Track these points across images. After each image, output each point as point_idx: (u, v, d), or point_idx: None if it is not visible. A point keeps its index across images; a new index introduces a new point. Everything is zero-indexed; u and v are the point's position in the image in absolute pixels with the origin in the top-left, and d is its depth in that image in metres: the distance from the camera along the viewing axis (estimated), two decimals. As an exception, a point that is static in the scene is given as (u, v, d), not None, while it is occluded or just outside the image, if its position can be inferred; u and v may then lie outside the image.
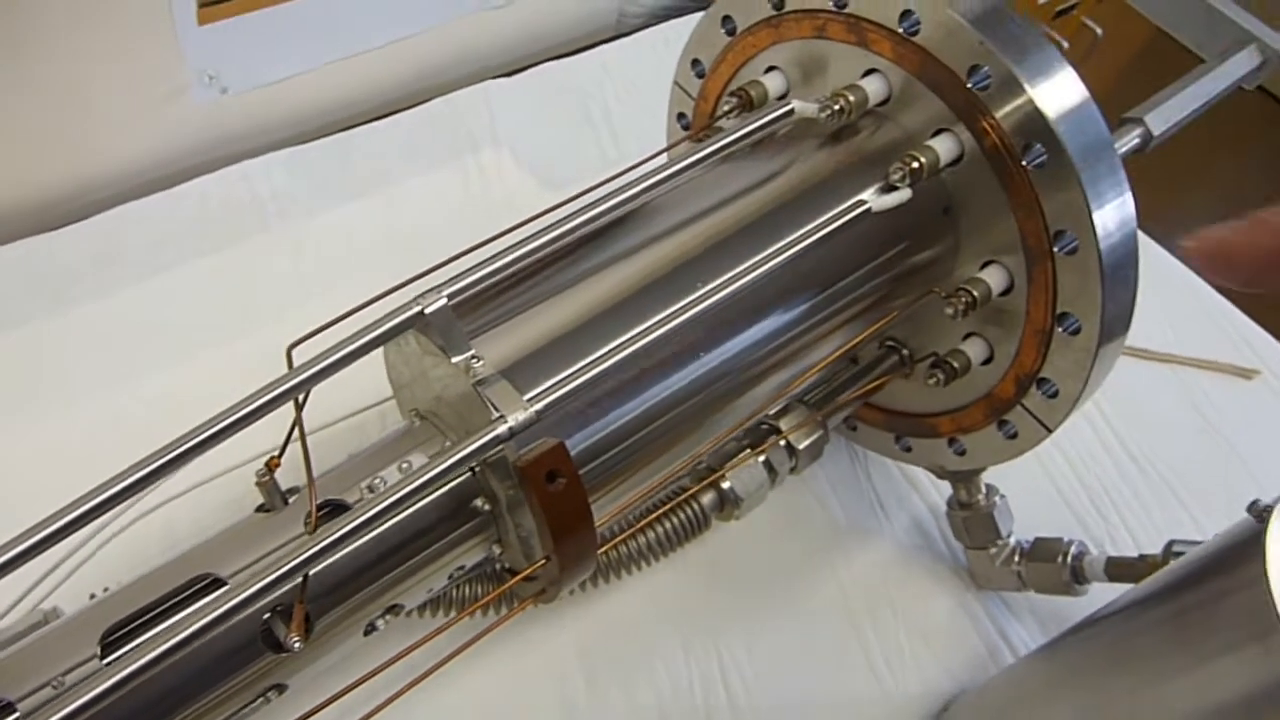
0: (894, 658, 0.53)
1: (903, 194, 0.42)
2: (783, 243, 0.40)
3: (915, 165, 0.42)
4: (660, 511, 0.45)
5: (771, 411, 0.46)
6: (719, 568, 0.54)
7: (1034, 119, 0.40)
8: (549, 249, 0.38)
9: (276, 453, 0.36)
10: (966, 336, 0.47)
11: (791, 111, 0.43)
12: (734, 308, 0.39)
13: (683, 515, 0.45)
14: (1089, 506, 0.62)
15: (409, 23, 0.64)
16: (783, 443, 0.47)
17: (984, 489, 0.54)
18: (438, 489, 0.36)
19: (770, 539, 0.55)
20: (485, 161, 0.67)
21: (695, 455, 0.42)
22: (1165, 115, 0.46)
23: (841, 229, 0.41)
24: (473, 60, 0.71)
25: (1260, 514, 0.33)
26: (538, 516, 0.34)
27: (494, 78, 0.72)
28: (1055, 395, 0.45)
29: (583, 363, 0.36)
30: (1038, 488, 0.62)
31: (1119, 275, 0.41)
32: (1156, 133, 0.46)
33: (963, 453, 0.52)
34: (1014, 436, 0.49)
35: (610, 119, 0.72)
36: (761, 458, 0.46)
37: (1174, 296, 0.75)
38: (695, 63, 0.53)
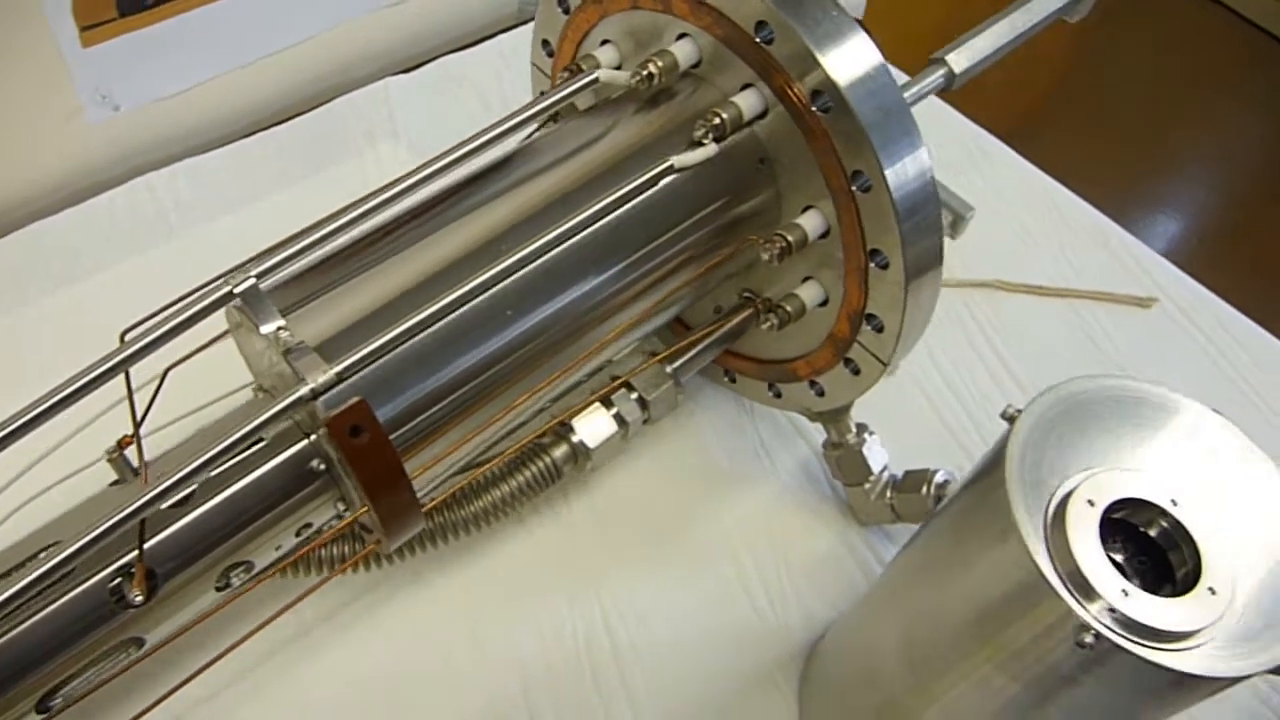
0: (776, 593, 0.55)
1: (708, 150, 0.45)
2: (591, 207, 0.42)
3: (718, 121, 0.45)
4: (500, 465, 0.47)
5: (619, 364, 0.49)
6: (604, 516, 0.56)
7: (811, 64, 0.42)
8: (362, 226, 0.41)
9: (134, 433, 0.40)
10: (805, 280, 0.50)
11: (596, 80, 0.46)
12: (547, 271, 0.42)
13: (535, 468, 0.48)
14: (979, 442, 0.64)
15: (300, 28, 0.67)
16: (634, 395, 0.50)
17: (853, 428, 0.56)
18: (277, 455, 0.40)
19: (655, 486, 0.58)
20: (383, 156, 0.70)
21: (526, 409, 0.44)
22: (970, 53, 0.48)
23: (653, 188, 0.44)
24: (373, 59, 0.74)
25: (1009, 417, 0.35)
26: (349, 470, 0.37)
27: (397, 73, 0.75)
28: (882, 330, 0.48)
29: (391, 331, 0.39)
30: (929, 427, 0.64)
31: (915, 208, 0.43)
32: (959, 71, 0.48)
33: (822, 393, 0.54)
34: (858, 373, 0.51)
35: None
36: (612, 410, 0.49)
37: (1075, 232, 0.76)
38: (545, 43, 0.55)
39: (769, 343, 0.55)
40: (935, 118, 0.81)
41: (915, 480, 0.55)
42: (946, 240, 0.68)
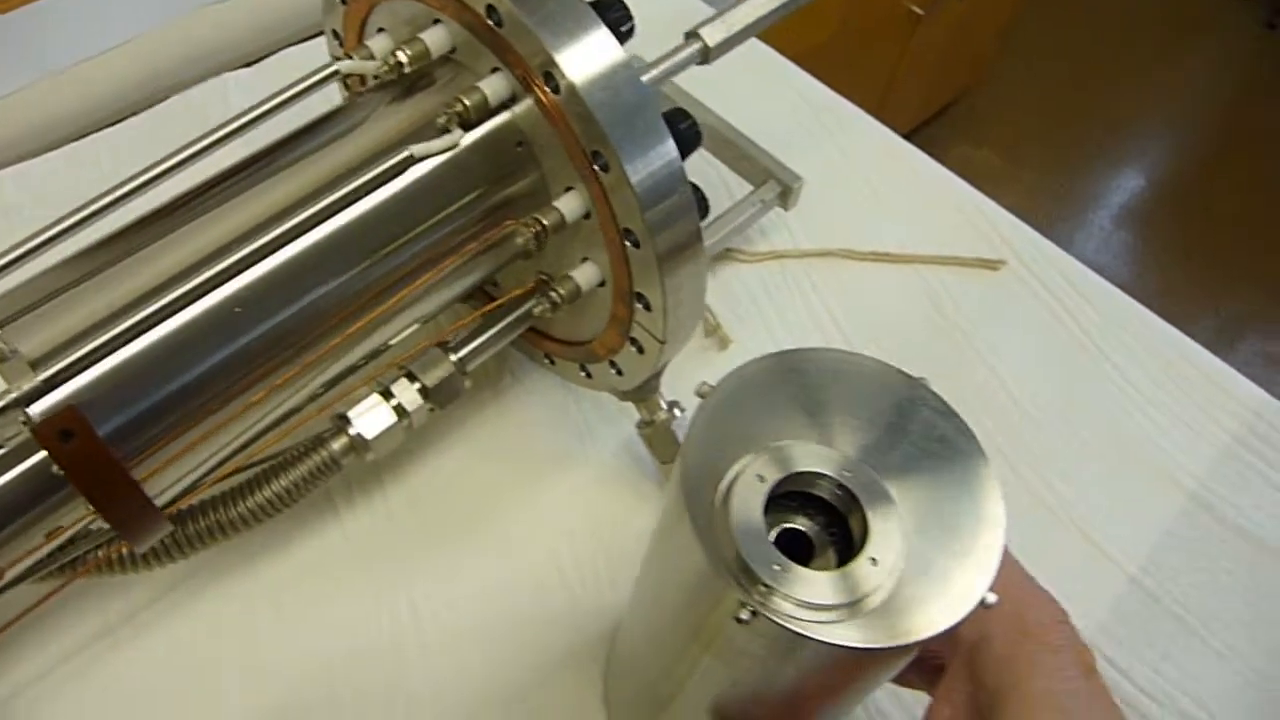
0: (590, 575, 0.55)
1: (453, 136, 0.45)
2: (318, 203, 0.42)
3: (460, 108, 0.44)
4: (279, 459, 0.47)
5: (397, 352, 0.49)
6: (420, 502, 0.56)
7: (536, 46, 0.42)
8: (96, 229, 0.41)
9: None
10: (582, 261, 0.50)
11: (337, 72, 0.46)
12: (282, 270, 0.42)
13: (313, 461, 0.48)
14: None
15: (121, 29, 0.67)
16: (417, 385, 0.50)
17: (664, 405, 0.56)
18: (18, 463, 0.40)
19: (474, 470, 0.58)
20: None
21: (275, 407, 0.45)
22: (726, 27, 0.47)
23: (396, 179, 0.44)
24: (212, 55, 0.73)
25: (702, 394, 0.35)
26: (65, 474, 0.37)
27: (237, 69, 0.75)
28: (650, 307, 0.47)
29: (104, 335, 0.39)
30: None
31: (658, 184, 0.43)
32: (713, 44, 0.47)
33: (621, 373, 0.54)
34: (642, 351, 0.51)
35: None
36: (392, 401, 0.49)
37: (928, 196, 0.76)
38: (335, 34, 0.55)
39: (570, 324, 0.55)
40: (790, 86, 0.81)
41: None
42: (783, 212, 0.68)
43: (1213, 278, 2.12)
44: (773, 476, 0.33)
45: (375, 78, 0.47)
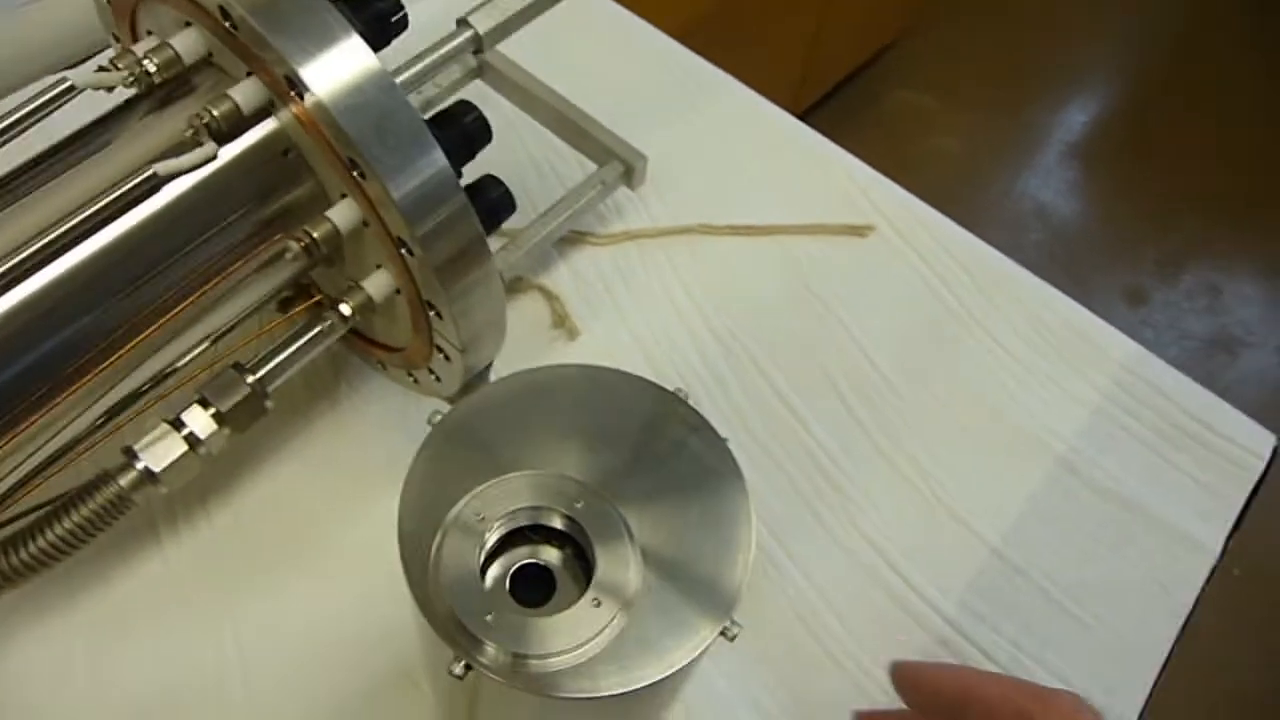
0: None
1: (204, 151, 0.42)
2: (60, 231, 0.40)
3: (208, 120, 0.42)
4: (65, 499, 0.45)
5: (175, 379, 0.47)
6: (245, 525, 0.54)
7: (271, 50, 0.39)
8: None
9: None
10: (377, 269, 0.47)
11: (72, 87, 0.43)
12: (24, 311, 0.40)
13: (100, 499, 0.45)
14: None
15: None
16: (210, 410, 0.47)
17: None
18: None
19: (303, 488, 0.56)
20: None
21: (28, 453, 0.42)
22: (499, 10, 0.45)
23: (146, 201, 0.41)
24: (29, 59, 0.70)
25: (431, 422, 0.33)
26: None
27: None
28: (441, 316, 0.45)
29: None
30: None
31: (421, 187, 0.40)
32: (484, 31, 0.44)
33: (439, 379, 0.52)
34: (449, 359, 0.49)
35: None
36: (184, 431, 0.47)
37: (793, 163, 0.73)
38: (115, 37, 0.52)
39: (387, 330, 0.52)
40: (652, 51, 0.78)
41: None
42: (641, 189, 0.66)
43: (1157, 210, 2.10)
44: (494, 514, 0.31)
45: (129, 85, 0.43)
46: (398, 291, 0.47)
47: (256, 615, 0.52)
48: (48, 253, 0.40)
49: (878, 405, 0.62)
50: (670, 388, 0.35)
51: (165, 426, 0.46)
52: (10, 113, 0.43)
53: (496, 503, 0.31)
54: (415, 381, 0.55)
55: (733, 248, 0.68)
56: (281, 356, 0.49)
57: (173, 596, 0.52)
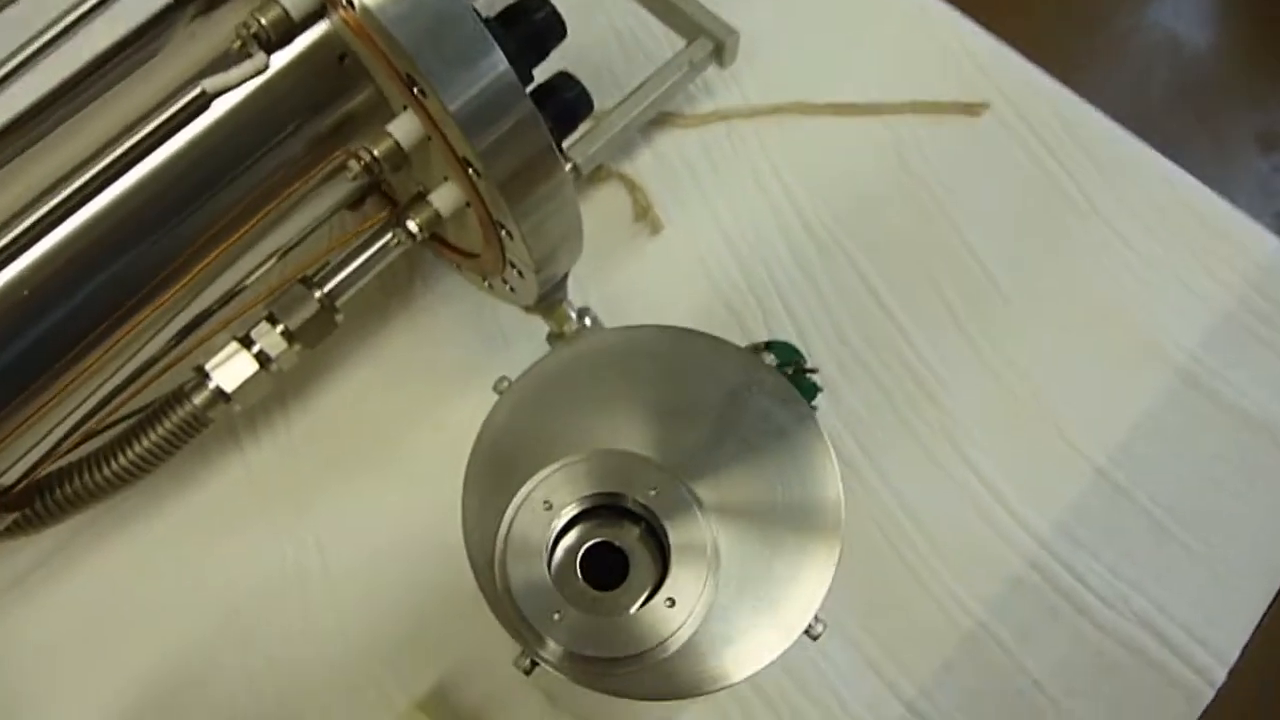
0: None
1: (254, 63, 0.39)
2: (114, 155, 0.37)
3: (256, 29, 0.38)
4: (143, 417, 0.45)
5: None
6: (322, 431, 0.54)
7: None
8: None
9: None
10: (445, 181, 0.44)
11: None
12: (77, 241, 0.38)
13: (176, 418, 0.45)
14: (759, 318, 0.57)
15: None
16: (279, 327, 0.46)
17: (572, 316, 0.51)
18: None
19: (379, 393, 0.55)
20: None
21: (111, 372, 0.42)
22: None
23: (198, 119, 0.39)
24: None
25: (497, 389, 0.31)
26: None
27: None
28: (511, 236, 0.42)
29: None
30: (701, 300, 0.58)
31: (484, 105, 0.37)
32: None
33: (513, 290, 0.49)
34: (522, 276, 0.46)
35: None
36: (254, 348, 0.45)
37: (899, 34, 0.66)
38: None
39: (459, 235, 0.50)
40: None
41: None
42: (721, 70, 0.60)
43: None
44: (562, 501, 0.29)
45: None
46: (467, 205, 0.44)
47: (336, 516, 0.52)
48: (101, 180, 0.38)
49: (983, 308, 0.58)
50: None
51: (235, 345, 0.45)
52: (51, 24, 0.40)
53: (565, 488, 0.29)
54: (490, 287, 0.52)
55: (830, 129, 0.63)
56: (349, 270, 0.47)
57: (255, 499, 0.53)
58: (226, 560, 0.51)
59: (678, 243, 0.59)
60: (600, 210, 0.59)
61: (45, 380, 0.39)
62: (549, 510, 0.28)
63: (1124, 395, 0.56)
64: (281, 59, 0.39)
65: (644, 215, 0.59)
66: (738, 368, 0.31)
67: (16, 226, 0.36)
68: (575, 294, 0.53)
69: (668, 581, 0.28)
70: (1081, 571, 0.52)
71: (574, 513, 0.29)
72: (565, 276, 0.50)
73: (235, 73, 0.38)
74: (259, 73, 0.39)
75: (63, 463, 0.44)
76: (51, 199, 0.37)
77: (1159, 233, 0.60)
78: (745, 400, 0.31)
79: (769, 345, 0.47)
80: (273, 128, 0.41)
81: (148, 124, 0.38)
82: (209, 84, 0.38)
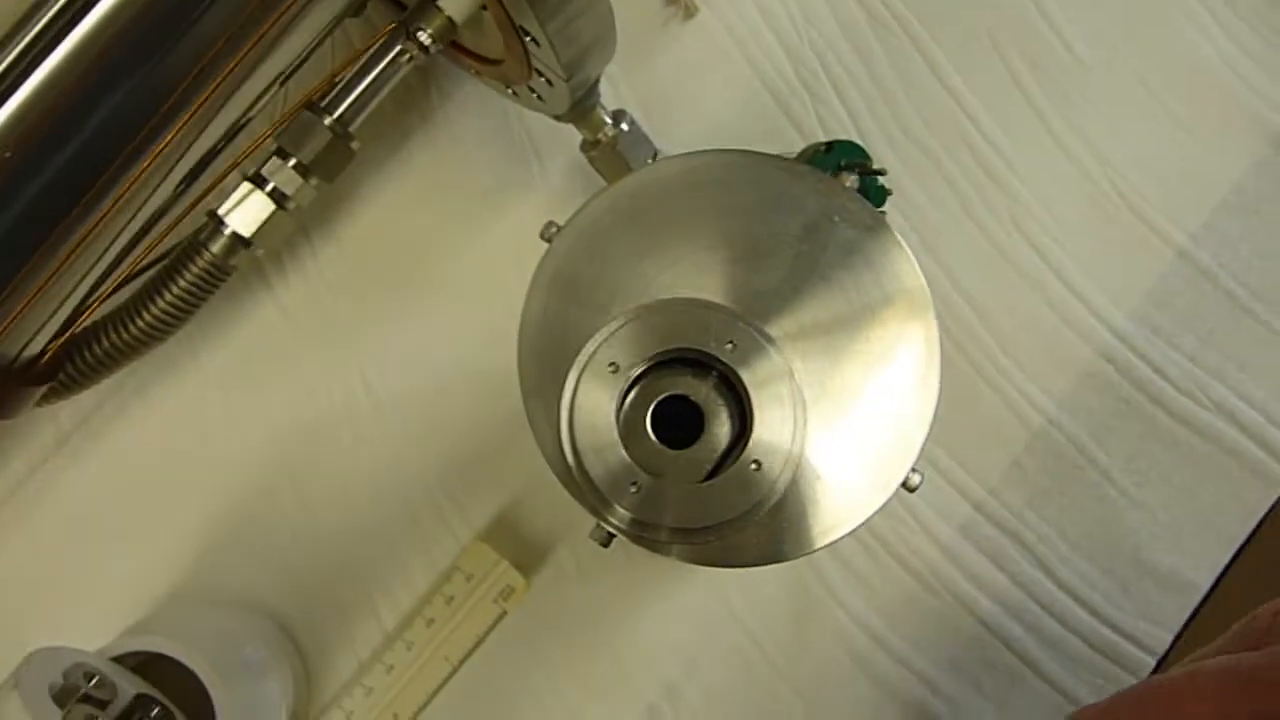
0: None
1: None
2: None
3: None
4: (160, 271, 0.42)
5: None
6: (354, 261, 0.51)
7: None
8: None
9: None
10: (456, -18, 0.39)
11: None
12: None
13: (195, 270, 0.42)
14: (808, 110, 0.52)
15: None
16: (291, 163, 0.42)
17: (607, 120, 0.47)
18: None
19: (407, 216, 0.51)
20: None
21: (120, 226, 0.38)
22: None
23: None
24: None
25: (546, 238, 0.28)
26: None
27: None
28: (538, 42, 0.37)
29: None
30: (744, 91, 0.53)
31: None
32: None
33: (541, 99, 0.45)
34: (551, 84, 0.41)
35: None
36: (267, 186, 0.42)
37: None
38: None
39: (476, 42, 0.45)
40: None
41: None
42: None
43: None
44: (629, 361, 0.26)
45: None
46: (483, 8, 0.39)
47: (379, 349, 0.50)
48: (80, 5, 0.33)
49: (1054, 76, 0.52)
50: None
51: (248, 185, 0.42)
52: None
53: (631, 346, 0.26)
54: (514, 95, 0.48)
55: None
56: (357, 90, 0.42)
57: (293, 340, 0.51)
58: (271, 404, 0.50)
59: (713, 30, 0.53)
60: (627, -6, 0.53)
61: (54, 240, 0.36)
62: (615, 373, 0.26)
63: (1211, 167, 0.52)
64: None
65: (676, -2, 0.53)
66: (817, 193, 0.27)
67: None
68: (606, 95, 0.48)
69: (751, 441, 0.25)
70: (1158, 361, 0.50)
71: (641, 370, 0.26)
72: (598, 79, 0.45)
73: None
74: None
75: (89, 324, 0.41)
76: (25, 34, 0.33)
77: (1260, -16, 0.53)
78: (827, 231, 0.27)
79: (830, 146, 0.43)
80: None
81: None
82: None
